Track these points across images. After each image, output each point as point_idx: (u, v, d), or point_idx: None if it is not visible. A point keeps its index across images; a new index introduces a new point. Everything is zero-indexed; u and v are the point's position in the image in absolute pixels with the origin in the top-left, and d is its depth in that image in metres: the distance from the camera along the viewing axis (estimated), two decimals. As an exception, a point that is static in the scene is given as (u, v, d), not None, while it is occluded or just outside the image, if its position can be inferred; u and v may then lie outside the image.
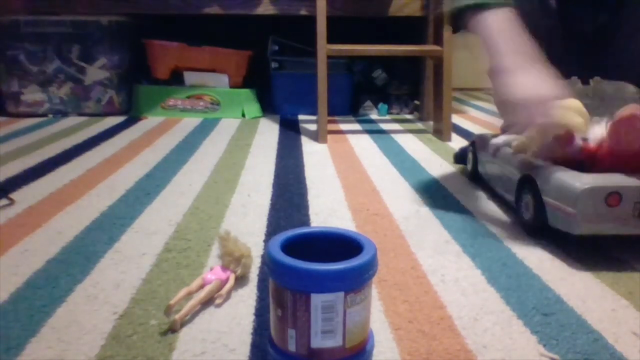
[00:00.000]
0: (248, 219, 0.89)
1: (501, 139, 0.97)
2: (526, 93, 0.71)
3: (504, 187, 0.92)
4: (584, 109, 0.86)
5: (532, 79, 0.72)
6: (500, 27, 0.75)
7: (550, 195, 0.75)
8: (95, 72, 1.85)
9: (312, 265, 0.43)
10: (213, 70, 1.91)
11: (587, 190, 0.70)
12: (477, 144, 1.07)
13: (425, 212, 0.92)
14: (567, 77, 1.04)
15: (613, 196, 0.70)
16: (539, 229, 0.80)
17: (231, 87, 1.93)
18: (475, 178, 1.09)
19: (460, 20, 0.81)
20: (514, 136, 0.93)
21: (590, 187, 0.70)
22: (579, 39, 1.02)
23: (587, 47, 1.02)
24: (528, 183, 0.82)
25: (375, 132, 1.67)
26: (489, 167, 1.00)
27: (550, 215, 0.76)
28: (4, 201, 0.94)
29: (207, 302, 0.61)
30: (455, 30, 0.89)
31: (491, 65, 0.74)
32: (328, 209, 0.94)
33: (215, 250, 0.75)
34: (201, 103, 1.90)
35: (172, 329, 0.55)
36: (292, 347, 0.45)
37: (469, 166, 1.12)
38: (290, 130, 1.68)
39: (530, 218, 0.81)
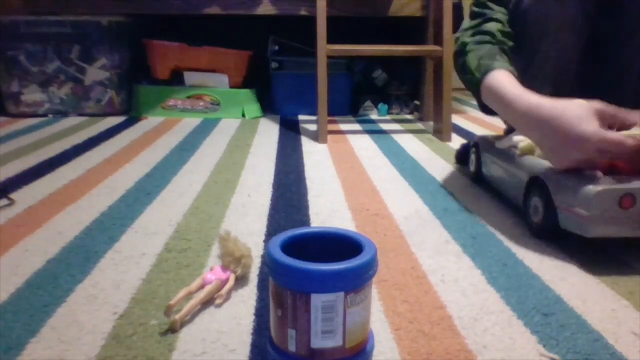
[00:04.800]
0: (248, 219, 0.89)
1: (507, 141, 0.96)
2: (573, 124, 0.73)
3: (511, 189, 0.91)
4: None
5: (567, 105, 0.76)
6: (511, 81, 0.86)
7: (562, 198, 0.74)
8: (95, 72, 1.85)
9: (312, 265, 0.43)
10: (213, 70, 1.91)
11: (601, 192, 0.69)
12: (481, 145, 1.06)
13: (425, 212, 0.92)
14: (568, 85, 1.02)
15: (627, 198, 0.69)
16: (549, 232, 0.79)
17: (231, 87, 1.93)
18: (478, 179, 1.09)
19: (479, 97, 0.94)
20: (520, 138, 0.93)
21: (603, 189, 0.69)
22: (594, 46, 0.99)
23: (587, 54, 1.00)
24: (537, 185, 0.81)
25: (375, 132, 1.67)
26: (493, 169, 0.99)
27: (562, 218, 0.75)
28: (4, 201, 0.95)
29: (207, 302, 0.61)
30: (486, 110, 1.00)
31: (519, 107, 0.81)
32: (328, 209, 0.94)
33: (215, 250, 0.75)
34: (201, 103, 1.90)
35: (172, 329, 0.55)
36: (292, 347, 0.45)
37: (472, 167, 1.11)
38: (290, 130, 1.68)
39: (539, 221, 0.80)
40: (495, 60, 0.91)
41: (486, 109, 0.97)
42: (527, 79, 0.90)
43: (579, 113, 0.71)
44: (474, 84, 0.93)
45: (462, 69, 0.99)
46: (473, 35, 0.99)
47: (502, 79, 0.86)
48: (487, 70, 0.89)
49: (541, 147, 0.79)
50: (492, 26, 0.98)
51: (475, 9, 1.04)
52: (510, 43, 0.97)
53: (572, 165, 0.74)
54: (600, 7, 0.94)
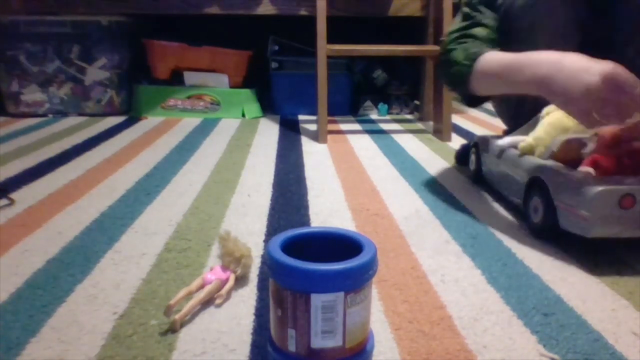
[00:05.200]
0: (248, 219, 0.89)
1: (506, 141, 0.96)
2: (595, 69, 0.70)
3: (511, 189, 0.91)
4: None
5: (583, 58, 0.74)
6: (510, 53, 0.85)
7: (562, 198, 0.74)
8: (95, 72, 1.85)
9: (312, 265, 0.43)
10: (213, 70, 1.91)
11: (601, 193, 0.69)
12: (481, 145, 1.06)
13: (425, 212, 0.92)
14: None
15: (627, 198, 0.69)
16: (549, 232, 0.79)
17: (231, 87, 1.93)
18: (478, 179, 1.09)
19: (468, 87, 0.94)
20: (520, 137, 0.93)
21: (603, 189, 0.69)
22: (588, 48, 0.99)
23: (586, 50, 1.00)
24: (537, 185, 0.81)
25: (375, 132, 1.67)
26: (494, 169, 0.99)
27: (562, 219, 0.75)
28: (4, 201, 0.95)
29: (207, 302, 0.61)
30: (472, 102, 1.02)
31: (532, 73, 0.78)
32: (328, 209, 0.94)
33: (215, 250, 0.75)
34: (201, 103, 1.90)
35: (172, 329, 0.55)
36: (292, 347, 0.45)
37: (472, 167, 1.11)
38: (290, 130, 1.68)
39: (539, 221, 0.80)
40: (483, 49, 0.91)
41: (471, 101, 0.98)
42: None
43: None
44: (462, 73, 0.93)
45: (447, 65, 0.98)
46: (458, 38, 0.99)
47: (498, 54, 0.87)
48: (477, 55, 0.89)
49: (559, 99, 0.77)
50: (478, 31, 0.98)
51: (466, 10, 1.03)
52: (497, 49, 0.97)
53: (586, 109, 0.71)
54: (595, 12, 0.94)
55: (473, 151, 1.10)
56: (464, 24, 1.01)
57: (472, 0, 1.03)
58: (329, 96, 1.51)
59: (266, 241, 0.80)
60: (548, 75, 0.74)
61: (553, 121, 0.86)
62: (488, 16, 0.99)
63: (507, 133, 1.07)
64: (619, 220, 0.70)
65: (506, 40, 0.97)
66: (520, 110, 1.04)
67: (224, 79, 1.92)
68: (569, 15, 0.93)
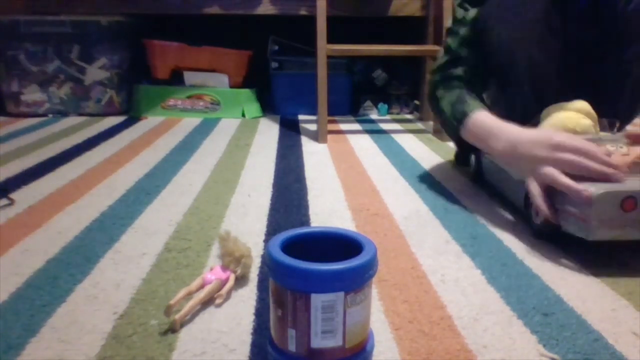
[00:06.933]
0: (248, 219, 0.89)
1: None
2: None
3: (511, 190, 0.90)
4: (592, 111, 0.85)
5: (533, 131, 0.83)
6: (491, 118, 0.91)
7: (563, 201, 0.74)
8: (95, 72, 1.85)
9: (312, 265, 0.43)
10: (213, 70, 1.91)
11: (602, 195, 0.69)
12: None
13: (425, 212, 0.92)
14: (568, 92, 1.01)
15: (628, 201, 0.69)
16: (551, 235, 0.78)
17: (231, 87, 1.93)
18: (478, 180, 1.09)
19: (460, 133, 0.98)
20: None
21: (605, 192, 0.69)
22: (578, 55, 1.00)
23: (586, 63, 0.99)
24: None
25: (375, 132, 1.67)
26: (494, 170, 0.99)
27: (563, 221, 0.74)
28: (4, 201, 0.95)
29: (207, 302, 0.61)
30: (465, 149, 1.08)
31: (502, 146, 0.86)
32: (328, 209, 0.94)
33: (215, 250, 0.75)
34: (201, 103, 1.90)
35: (172, 329, 0.55)
36: (292, 347, 0.45)
37: (472, 168, 1.11)
38: (290, 130, 1.68)
39: (541, 223, 0.79)
40: (465, 103, 0.96)
41: (463, 148, 1.04)
42: (506, 98, 0.94)
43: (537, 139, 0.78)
44: (452, 130, 1.00)
45: (439, 114, 1.05)
46: (442, 80, 1.04)
47: (480, 119, 0.92)
48: (462, 116, 0.95)
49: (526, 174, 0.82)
50: (460, 71, 1.03)
51: (448, 41, 1.07)
52: (479, 84, 1.03)
53: (545, 180, 0.76)
54: (579, 19, 0.94)
55: (474, 152, 1.10)
56: (445, 59, 1.06)
57: (452, 28, 1.07)
58: (329, 96, 1.51)
59: (266, 241, 0.80)
60: (508, 150, 0.84)
61: (554, 122, 0.85)
62: (467, 47, 1.04)
63: None
64: (621, 222, 0.69)
65: (489, 52, 1.00)
66: (510, 115, 1.04)
67: (224, 79, 1.92)
68: (550, 22, 0.94)
